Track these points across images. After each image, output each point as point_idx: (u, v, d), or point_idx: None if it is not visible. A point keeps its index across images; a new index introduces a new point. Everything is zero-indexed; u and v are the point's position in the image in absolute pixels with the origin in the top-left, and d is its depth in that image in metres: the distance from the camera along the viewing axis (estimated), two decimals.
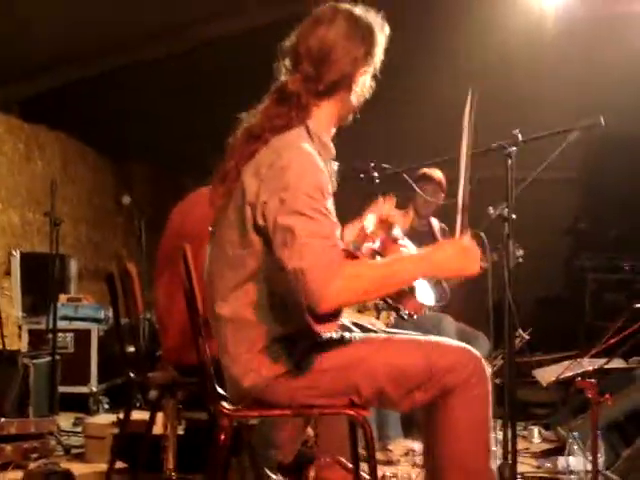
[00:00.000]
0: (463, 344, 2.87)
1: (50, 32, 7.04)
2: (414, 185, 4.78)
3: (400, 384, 2.74)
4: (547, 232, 8.96)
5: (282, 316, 2.74)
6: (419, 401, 2.78)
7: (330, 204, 2.67)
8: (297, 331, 2.74)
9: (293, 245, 2.55)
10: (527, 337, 4.71)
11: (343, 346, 2.78)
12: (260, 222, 2.66)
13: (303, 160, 2.66)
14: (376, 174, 4.07)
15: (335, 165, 3.45)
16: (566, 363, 3.69)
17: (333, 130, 2.90)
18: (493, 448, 3.94)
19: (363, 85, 2.87)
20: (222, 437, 2.82)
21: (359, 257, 2.97)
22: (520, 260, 4.86)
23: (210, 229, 2.91)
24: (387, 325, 5.04)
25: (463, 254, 2.75)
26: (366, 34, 2.82)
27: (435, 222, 6.26)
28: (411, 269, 2.71)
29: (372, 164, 4.08)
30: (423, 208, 6.09)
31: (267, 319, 2.73)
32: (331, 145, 2.86)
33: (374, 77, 2.90)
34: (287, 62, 2.84)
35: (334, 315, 2.69)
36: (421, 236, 6.16)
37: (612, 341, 3.02)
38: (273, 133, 2.73)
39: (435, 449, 2.85)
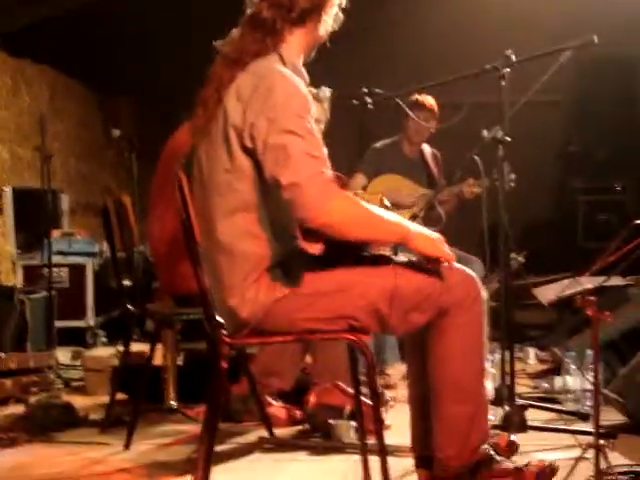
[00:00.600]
0: (458, 265, 2.87)
1: None
2: (408, 111, 4.75)
3: (397, 305, 2.75)
4: (538, 155, 8.92)
5: (276, 243, 2.74)
6: (416, 322, 2.80)
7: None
8: (292, 256, 2.74)
9: (287, 162, 2.59)
10: (522, 260, 4.72)
11: (339, 268, 2.79)
12: (248, 144, 2.67)
13: (287, 81, 2.69)
14: (369, 99, 4.05)
15: (328, 92, 3.43)
16: (566, 282, 3.70)
17: (301, 59, 2.89)
18: (489, 369, 4.02)
19: (333, 16, 2.88)
20: (223, 365, 2.82)
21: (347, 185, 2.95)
22: (512, 184, 4.86)
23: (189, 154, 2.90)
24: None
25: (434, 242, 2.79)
26: None
27: (427, 148, 6.24)
28: (393, 226, 2.74)
29: (365, 90, 4.05)
30: (415, 135, 6.06)
31: (261, 248, 2.73)
32: (304, 71, 2.87)
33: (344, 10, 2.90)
34: None
35: (322, 236, 2.69)
36: (413, 163, 6.16)
37: (611, 258, 3.03)
38: (250, 58, 2.76)
39: (429, 370, 2.87)
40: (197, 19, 8.07)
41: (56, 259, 7.02)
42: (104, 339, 7.20)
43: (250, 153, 2.68)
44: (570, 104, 9.46)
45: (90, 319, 7.18)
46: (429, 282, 2.79)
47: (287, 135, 2.61)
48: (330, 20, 2.88)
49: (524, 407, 3.92)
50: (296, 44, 2.85)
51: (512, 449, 3.21)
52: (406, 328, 2.84)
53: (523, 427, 3.76)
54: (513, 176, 4.62)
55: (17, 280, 7.09)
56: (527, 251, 4.68)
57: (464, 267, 2.88)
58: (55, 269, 6.93)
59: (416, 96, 5.81)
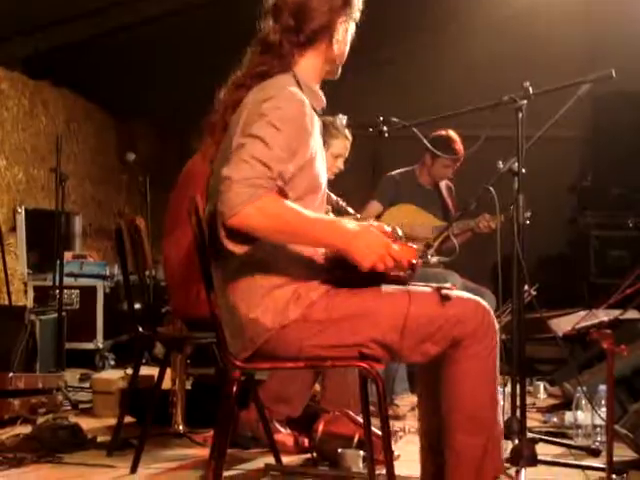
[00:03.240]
0: (471, 295, 2.86)
1: None
2: (429, 145, 4.74)
3: (410, 335, 2.74)
4: (551, 190, 8.92)
5: (285, 263, 2.74)
6: (429, 353, 2.78)
7: (311, 144, 2.72)
8: (301, 279, 2.75)
9: (235, 157, 2.58)
10: (534, 293, 4.70)
11: (352, 295, 2.78)
12: None
13: (282, 95, 2.70)
14: (385, 128, 4.05)
15: (344, 119, 3.44)
16: (582, 314, 3.69)
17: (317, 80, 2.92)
18: (500, 402, 3.99)
19: (345, 34, 2.90)
20: (233, 389, 2.82)
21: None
22: (527, 222, 4.86)
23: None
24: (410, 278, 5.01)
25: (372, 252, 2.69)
26: None
27: (442, 183, 6.25)
28: (326, 237, 2.68)
29: (381, 118, 4.05)
30: (439, 173, 6.07)
31: (269, 268, 2.73)
32: (321, 94, 2.90)
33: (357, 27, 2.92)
34: (269, 17, 2.89)
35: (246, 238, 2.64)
36: (428, 194, 6.15)
37: (628, 291, 3.02)
38: (256, 80, 2.80)
39: (442, 402, 2.85)
40: (210, 46, 8.12)
41: (67, 281, 7.05)
42: (112, 362, 7.20)
43: None
44: (585, 139, 9.47)
45: (99, 341, 7.18)
46: (442, 312, 2.77)
47: (249, 138, 2.61)
48: (346, 37, 2.90)
49: (534, 441, 3.89)
50: (311, 65, 2.88)
51: None
52: (418, 358, 2.82)
53: (533, 461, 3.72)
54: (529, 213, 4.62)
55: (28, 300, 7.10)
56: (539, 284, 4.67)
57: (477, 298, 2.87)
58: (66, 291, 6.96)
59: (450, 133, 5.83)
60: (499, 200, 4.24)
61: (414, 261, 2.85)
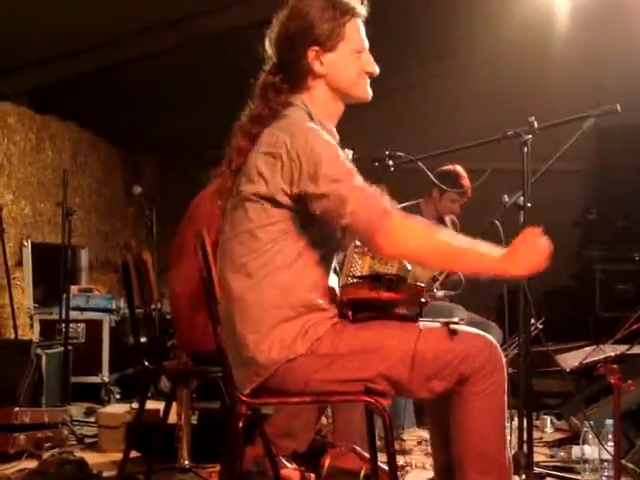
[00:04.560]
0: (478, 331, 2.86)
1: (60, 23, 7.03)
2: (435, 180, 4.76)
3: (417, 371, 2.73)
4: (556, 223, 8.90)
5: (294, 297, 2.74)
6: (436, 389, 2.76)
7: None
8: (309, 314, 2.74)
9: (345, 206, 2.63)
10: (540, 326, 4.71)
11: (360, 330, 2.77)
12: (279, 197, 2.71)
13: (318, 135, 2.73)
14: (390, 162, 4.06)
15: (350, 153, 3.45)
16: (588, 349, 3.68)
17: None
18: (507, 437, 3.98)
19: (337, 59, 2.87)
20: (239, 424, 2.81)
21: None
22: None
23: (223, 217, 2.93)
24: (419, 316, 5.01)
25: (529, 258, 2.76)
26: (316, 14, 2.84)
27: (447, 217, 6.26)
28: (481, 264, 2.73)
29: (387, 152, 4.08)
30: (446, 208, 6.08)
31: (278, 301, 2.73)
32: (334, 130, 2.91)
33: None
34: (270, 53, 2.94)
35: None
36: None
37: (635, 327, 3.02)
38: (271, 116, 2.83)
39: (451, 439, 2.83)
40: (215, 80, 8.17)
41: (73, 314, 7.06)
42: (118, 396, 7.18)
43: (282, 204, 2.72)
44: (589, 172, 9.49)
45: (105, 375, 7.17)
46: (450, 348, 2.75)
47: (335, 184, 2.65)
48: (342, 59, 2.87)
49: (542, 476, 3.88)
50: (322, 98, 2.88)
51: None
52: (425, 394, 2.80)
53: None
54: None
55: (34, 334, 7.10)
56: (545, 318, 4.67)
57: (484, 333, 2.86)
58: (72, 324, 6.96)
59: (457, 169, 5.85)
60: (505, 234, 4.25)
61: (422, 299, 2.87)
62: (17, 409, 4.98)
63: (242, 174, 2.80)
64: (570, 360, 3.63)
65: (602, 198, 9.24)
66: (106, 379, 7.15)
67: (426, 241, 2.69)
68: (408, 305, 2.87)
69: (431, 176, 4.35)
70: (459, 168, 5.93)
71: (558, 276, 9.16)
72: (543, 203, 5.16)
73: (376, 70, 2.91)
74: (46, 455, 4.71)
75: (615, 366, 2.73)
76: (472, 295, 5.74)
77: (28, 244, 7.38)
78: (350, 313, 2.81)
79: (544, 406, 6.59)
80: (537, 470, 3.98)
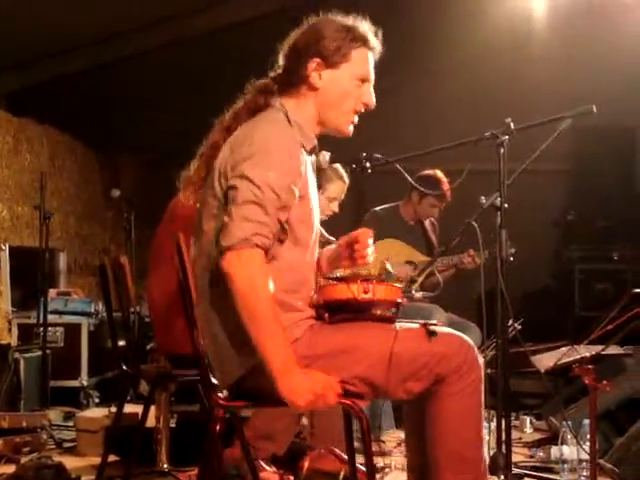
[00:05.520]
0: (454, 331, 2.86)
1: (35, 25, 7.00)
2: (414, 183, 4.77)
3: (394, 372, 2.73)
4: (535, 223, 8.96)
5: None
6: (413, 390, 2.77)
7: (298, 185, 2.73)
8: (286, 315, 2.72)
9: (231, 205, 2.64)
10: (519, 327, 4.71)
11: (336, 331, 2.77)
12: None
13: (271, 132, 2.74)
14: (368, 164, 4.06)
15: (327, 156, 3.45)
16: (563, 350, 3.69)
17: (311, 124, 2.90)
18: (485, 437, 3.99)
19: (336, 81, 2.86)
20: (217, 428, 2.81)
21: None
22: (511, 259, 4.88)
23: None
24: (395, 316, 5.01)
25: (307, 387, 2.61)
26: (319, 35, 2.87)
27: (426, 220, 6.27)
28: (273, 356, 2.60)
29: (364, 154, 4.07)
30: (426, 212, 6.08)
31: None
32: (312, 136, 2.89)
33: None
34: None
35: None
36: (411, 230, 6.16)
37: (609, 327, 3.02)
38: (248, 113, 2.86)
39: (427, 439, 2.83)
40: (196, 83, 8.16)
41: (52, 318, 7.03)
42: (97, 400, 7.15)
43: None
44: (569, 173, 9.53)
45: (84, 379, 7.13)
46: (426, 349, 2.75)
47: (240, 180, 2.65)
48: (341, 84, 2.87)
49: (520, 476, 3.88)
50: (300, 107, 2.88)
51: None
52: (402, 395, 2.80)
53: None
54: (513, 250, 4.65)
55: (12, 338, 7.06)
56: (524, 318, 4.68)
57: (461, 334, 2.87)
58: (51, 328, 6.93)
59: (437, 174, 5.86)
60: (482, 235, 4.26)
61: (399, 300, 2.86)
62: None
63: (213, 171, 2.80)
64: (545, 361, 3.63)
65: (581, 198, 9.27)
66: (85, 383, 7.12)
67: (251, 291, 2.59)
68: (385, 306, 2.87)
69: (408, 178, 4.34)
70: (439, 173, 5.94)
71: (538, 277, 9.22)
72: (522, 204, 5.19)
73: (373, 103, 2.91)
74: (24, 460, 4.67)
75: (590, 367, 2.73)
76: (451, 296, 5.76)
77: (6, 248, 7.34)
78: (327, 315, 2.81)
79: (524, 406, 6.61)
80: (516, 471, 3.98)
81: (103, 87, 8.33)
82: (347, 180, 4.70)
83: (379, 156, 4.03)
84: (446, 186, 5.90)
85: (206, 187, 2.84)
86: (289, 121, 2.83)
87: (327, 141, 3.01)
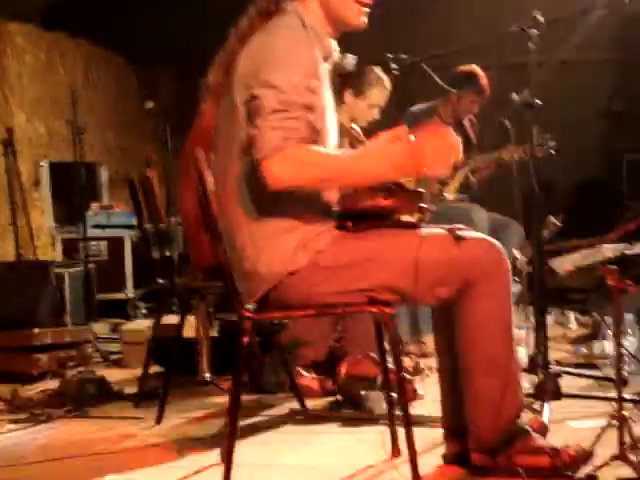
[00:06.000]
0: (482, 235, 2.81)
1: None
2: (441, 82, 4.65)
3: (421, 278, 2.69)
4: (580, 115, 8.77)
5: (294, 208, 2.70)
6: (441, 295, 2.74)
7: (316, 88, 2.65)
8: (310, 225, 2.71)
9: (257, 117, 2.57)
10: (559, 224, 4.65)
11: (361, 240, 2.74)
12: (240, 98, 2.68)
13: (288, 38, 2.67)
14: (394, 65, 3.95)
15: (353, 59, 3.36)
16: (586, 251, 3.62)
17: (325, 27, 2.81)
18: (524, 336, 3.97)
19: None
20: (245, 340, 2.81)
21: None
22: (552, 152, 4.78)
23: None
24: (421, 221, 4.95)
25: (437, 149, 2.60)
26: None
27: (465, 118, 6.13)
28: (372, 171, 2.63)
29: (390, 55, 3.96)
30: (466, 109, 5.93)
31: (278, 211, 2.70)
32: (327, 40, 2.81)
33: None
34: None
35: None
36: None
37: (633, 225, 2.94)
38: (263, 17, 2.77)
39: (457, 343, 2.82)
40: None
41: (95, 232, 7.07)
42: (145, 311, 7.21)
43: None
44: (613, 61, 9.28)
45: (129, 291, 7.20)
46: (454, 253, 2.71)
47: (264, 89, 2.58)
48: None
49: (558, 375, 3.85)
50: (311, 9, 2.78)
51: (543, 431, 3.11)
52: (430, 301, 2.78)
53: (557, 395, 3.69)
54: (552, 143, 4.55)
55: (56, 254, 7.13)
56: (570, 214, 4.61)
57: (488, 237, 2.81)
58: (94, 242, 6.98)
59: (473, 68, 5.71)
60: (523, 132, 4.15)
61: (423, 205, 2.82)
62: (36, 330, 5.02)
63: (232, 80, 2.73)
64: (567, 262, 3.56)
65: (629, 87, 9.04)
66: (131, 295, 7.19)
67: (310, 173, 2.58)
68: (409, 211, 2.82)
69: (436, 78, 4.22)
70: (476, 67, 5.79)
71: (585, 169, 9.06)
72: (565, 96, 5.03)
73: None
74: (69, 374, 4.74)
75: (613, 267, 2.66)
76: (494, 195, 5.68)
77: (45, 164, 7.36)
78: (350, 224, 2.77)
79: (570, 301, 6.56)
80: (555, 368, 3.93)
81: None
82: (389, 86, 4.60)
83: (405, 56, 3.92)
84: (484, 79, 5.76)
85: (225, 95, 2.78)
86: (304, 26, 2.74)
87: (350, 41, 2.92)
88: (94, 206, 7.59)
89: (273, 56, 2.62)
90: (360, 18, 2.80)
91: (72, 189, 6.97)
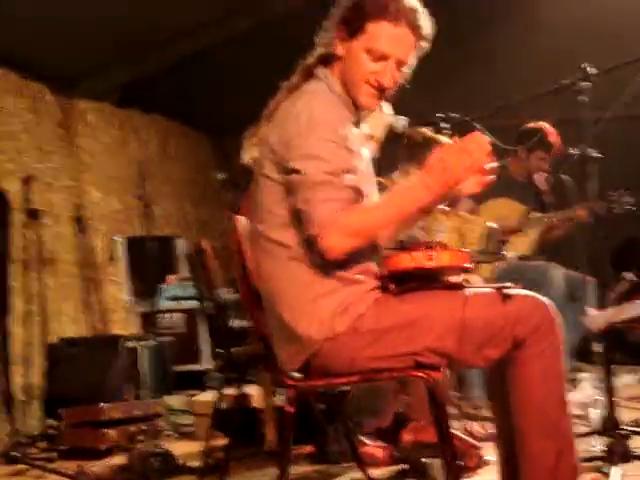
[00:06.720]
0: (530, 292, 2.73)
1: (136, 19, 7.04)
2: (495, 141, 4.57)
3: (467, 340, 2.63)
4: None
5: (332, 272, 2.67)
6: (491, 357, 2.67)
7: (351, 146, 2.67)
8: (348, 288, 2.68)
9: (303, 191, 2.60)
10: (635, 279, 4.55)
11: (403, 302, 2.69)
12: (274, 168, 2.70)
13: (315, 104, 2.69)
14: (445, 125, 3.90)
15: (405, 120, 3.34)
16: (626, 306, 3.49)
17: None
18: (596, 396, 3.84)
19: (354, 52, 2.78)
20: (288, 409, 2.77)
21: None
22: (632, 208, 4.69)
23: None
24: (488, 280, 4.87)
25: (462, 156, 2.59)
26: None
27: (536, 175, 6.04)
28: (414, 198, 2.62)
29: (441, 115, 3.91)
30: (535, 166, 5.87)
31: (315, 275, 2.68)
32: (351, 106, 2.82)
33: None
34: None
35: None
36: (521, 186, 5.96)
37: None
38: (291, 89, 2.82)
39: (511, 405, 2.72)
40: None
41: (171, 304, 7.11)
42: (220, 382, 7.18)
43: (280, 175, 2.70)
44: None
45: (205, 362, 7.20)
46: (501, 312, 2.64)
47: (306, 161, 2.59)
48: (358, 59, 2.78)
49: (626, 436, 3.70)
50: (335, 75, 2.83)
51: None
52: (480, 363, 2.72)
53: (625, 457, 3.55)
54: (630, 199, 4.47)
55: (133, 328, 7.18)
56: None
57: (535, 294, 2.73)
58: (170, 315, 7.01)
59: (542, 127, 5.66)
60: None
61: (466, 265, 2.76)
62: (104, 405, 5.03)
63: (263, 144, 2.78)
64: (601, 319, 3.41)
65: None
66: (208, 366, 7.18)
67: (364, 234, 2.63)
68: (452, 273, 2.76)
69: (490, 136, 4.15)
70: (545, 124, 5.73)
71: None
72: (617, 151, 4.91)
73: (386, 84, 2.78)
74: (137, 449, 4.73)
75: None
76: (569, 251, 5.56)
77: (119, 239, 7.46)
78: (393, 286, 2.72)
79: None
80: (627, 429, 3.78)
81: (207, 73, 8.33)
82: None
83: (455, 115, 3.88)
84: (553, 137, 5.70)
85: (259, 160, 2.80)
86: (332, 91, 2.79)
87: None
88: (172, 278, 7.63)
89: (301, 125, 2.64)
90: (369, 99, 2.81)
91: (147, 263, 7.05)
